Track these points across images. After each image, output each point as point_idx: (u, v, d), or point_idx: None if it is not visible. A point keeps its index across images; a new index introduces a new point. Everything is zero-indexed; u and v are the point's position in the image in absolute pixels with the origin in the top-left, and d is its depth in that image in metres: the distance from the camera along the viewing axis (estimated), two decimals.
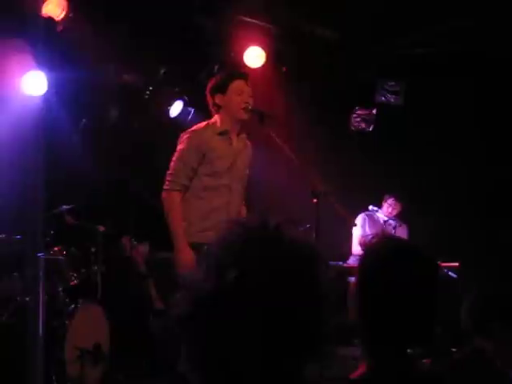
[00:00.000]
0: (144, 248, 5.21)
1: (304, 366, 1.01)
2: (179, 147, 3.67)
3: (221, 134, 3.67)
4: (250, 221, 1.01)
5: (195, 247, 3.46)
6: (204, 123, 3.77)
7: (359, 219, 6.35)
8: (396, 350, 1.41)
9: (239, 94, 3.62)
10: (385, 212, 6.38)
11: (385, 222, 6.32)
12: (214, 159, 3.61)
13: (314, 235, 3.33)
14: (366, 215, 6.42)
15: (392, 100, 6.38)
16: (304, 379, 1.02)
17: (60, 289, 4.39)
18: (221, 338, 0.95)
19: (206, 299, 0.95)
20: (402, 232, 6.22)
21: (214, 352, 0.95)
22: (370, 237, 1.56)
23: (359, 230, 6.23)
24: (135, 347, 4.65)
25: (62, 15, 4.67)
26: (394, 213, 6.33)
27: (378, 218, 6.41)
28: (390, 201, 6.38)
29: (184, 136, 3.69)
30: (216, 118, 3.73)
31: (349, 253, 6.38)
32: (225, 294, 0.94)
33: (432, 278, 1.44)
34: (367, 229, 6.28)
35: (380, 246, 1.48)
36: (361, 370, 1.43)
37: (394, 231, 6.04)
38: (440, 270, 1.47)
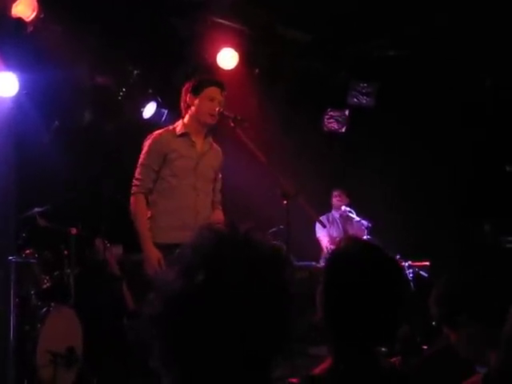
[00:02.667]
0: (117, 250, 5.20)
1: (272, 364, 1.04)
2: (142, 152, 3.77)
3: (181, 135, 3.75)
4: (221, 226, 1.05)
5: (163, 247, 3.51)
6: (164, 128, 3.86)
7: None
8: (359, 348, 1.45)
9: (210, 100, 3.68)
10: (334, 205, 6.55)
11: (351, 220, 6.43)
12: (175, 159, 3.68)
13: (285, 236, 3.36)
14: (325, 217, 6.55)
15: (364, 101, 6.46)
16: (271, 378, 1.05)
17: (32, 292, 4.35)
18: (190, 336, 0.98)
19: (175, 299, 0.99)
20: (360, 228, 6.32)
21: (183, 350, 0.99)
22: (337, 239, 1.61)
23: (322, 232, 6.36)
24: (109, 349, 4.63)
25: (33, 16, 4.62)
26: (342, 204, 6.47)
27: (334, 218, 6.59)
28: (337, 193, 6.54)
29: (145, 142, 3.79)
30: (178, 123, 3.81)
31: (320, 253, 6.47)
32: (194, 295, 0.98)
33: (395, 278, 1.48)
34: (329, 230, 6.41)
35: (346, 248, 1.52)
36: (323, 366, 1.47)
37: (365, 230, 6.13)
38: (403, 271, 1.51)
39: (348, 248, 1.52)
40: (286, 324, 1.04)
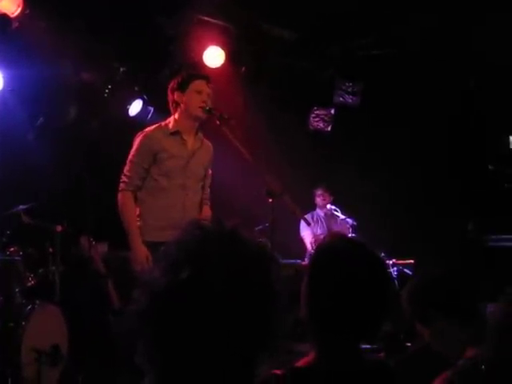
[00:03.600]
0: (102, 247, 5.18)
1: (256, 360, 1.05)
2: (132, 149, 3.74)
3: (172, 134, 3.72)
4: (207, 222, 1.06)
5: (151, 246, 3.51)
6: (156, 125, 3.83)
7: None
8: (342, 343, 1.47)
9: (198, 93, 3.67)
10: (318, 204, 6.59)
11: (335, 218, 6.48)
12: (165, 159, 3.66)
13: (270, 234, 3.38)
14: (309, 215, 6.58)
15: (350, 100, 6.50)
16: (256, 375, 1.06)
17: (16, 290, 4.32)
18: (174, 332, 0.99)
19: (160, 295, 1.00)
20: (345, 226, 6.35)
21: (167, 346, 1.00)
22: (321, 236, 1.63)
23: (307, 231, 6.38)
24: (94, 347, 4.62)
25: (18, 12, 4.60)
26: (326, 202, 6.51)
27: (318, 216, 6.63)
28: (320, 191, 6.58)
29: (136, 138, 3.75)
30: (170, 119, 3.79)
31: (305, 251, 6.50)
32: (179, 291, 0.99)
33: (379, 274, 1.50)
34: (313, 228, 6.45)
35: (329, 244, 1.54)
36: (306, 360, 1.49)
37: (350, 228, 6.18)
38: (387, 268, 1.54)
39: (332, 244, 1.54)
40: (271, 321, 1.05)
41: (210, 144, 3.89)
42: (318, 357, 1.48)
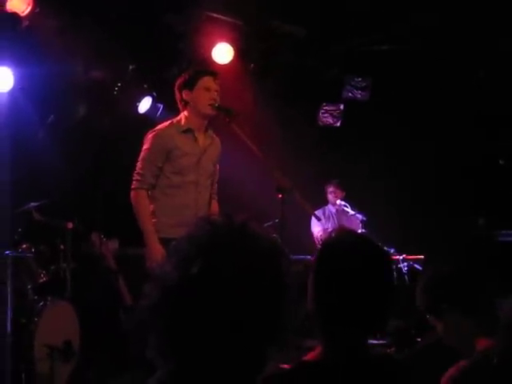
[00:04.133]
0: (113, 244, 5.21)
1: (266, 354, 1.06)
2: (144, 147, 3.74)
3: (185, 131, 3.72)
4: (217, 217, 1.07)
5: (165, 242, 3.51)
6: (168, 122, 3.82)
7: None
8: (348, 337, 1.48)
9: (207, 90, 3.66)
10: (330, 201, 6.55)
11: (346, 214, 6.46)
12: (178, 157, 3.66)
13: (280, 230, 3.39)
14: (320, 211, 6.57)
15: (359, 96, 6.48)
16: (265, 367, 1.07)
17: (29, 286, 4.37)
18: (186, 326, 1.00)
19: (172, 289, 1.01)
20: (355, 221, 6.34)
21: (179, 340, 1.01)
22: (329, 230, 1.63)
23: (317, 226, 6.37)
24: (106, 343, 4.66)
25: (28, 10, 4.62)
26: (338, 198, 6.48)
27: (330, 211, 6.60)
28: (332, 188, 6.55)
29: (148, 135, 3.75)
30: (181, 115, 3.78)
31: (315, 246, 6.49)
32: (190, 285, 1.00)
33: (385, 269, 1.51)
34: (324, 224, 6.43)
35: (336, 239, 1.55)
36: (313, 354, 1.50)
37: (360, 224, 6.16)
38: (393, 263, 1.54)
39: (338, 238, 1.55)
40: (281, 314, 1.05)
41: (218, 140, 3.90)
42: (325, 351, 1.48)
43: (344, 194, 6.56)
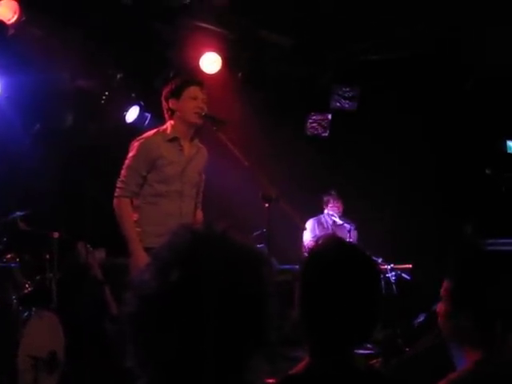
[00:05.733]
0: (100, 254, 5.17)
1: (248, 364, 1.04)
2: (129, 154, 3.73)
3: (170, 140, 3.71)
4: (198, 225, 1.06)
5: (149, 252, 3.47)
6: (154, 130, 3.81)
7: (309, 224, 6.49)
8: (334, 348, 1.46)
9: (193, 100, 3.67)
10: (328, 210, 6.52)
11: (335, 223, 6.45)
12: (163, 166, 3.65)
13: (267, 239, 3.38)
14: (315, 220, 6.55)
15: (347, 105, 6.51)
16: (247, 380, 1.05)
17: (13, 297, 4.31)
18: (165, 335, 0.98)
19: (151, 298, 0.99)
20: (353, 233, 6.34)
21: (158, 349, 0.99)
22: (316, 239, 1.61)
23: (309, 235, 6.35)
24: (91, 354, 4.60)
25: (14, 19, 4.60)
26: (337, 209, 6.46)
27: (326, 221, 6.56)
28: (330, 201, 6.51)
29: (134, 143, 3.73)
30: (167, 124, 3.78)
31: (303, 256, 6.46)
32: (169, 294, 0.98)
33: (370, 278, 1.49)
34: (317, 232, 6.41)
35: (322, 248, 1.54)
36: (300, 367, 1.48)
37: (347, 233, 6.16)
38: (379, 272, 1.53)
39: (325, 247, 1.53)
40: (263, 324, 1.04)
41: (205, 149, 3.89)
42: (311, 362, 1.47)
43: (342, 206, 6.50)
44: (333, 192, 6.53)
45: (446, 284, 1.80)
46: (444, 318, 1.79)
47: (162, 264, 1.01)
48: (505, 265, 1.81)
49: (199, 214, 3.84)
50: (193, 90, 3.69)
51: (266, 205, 3.32)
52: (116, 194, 3.68)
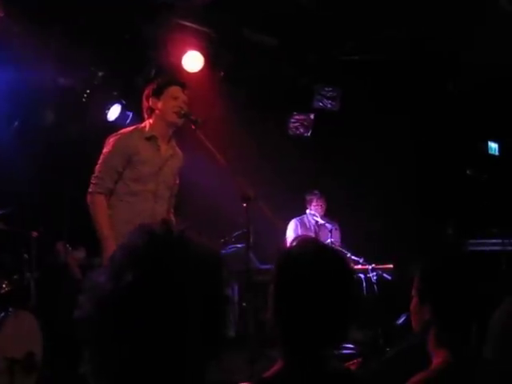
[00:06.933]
0: (79, 253, 5.12)
1: (205, 367, 1.01)
2: (105, 150, 3.66)
3: (148, 138, 3.67)
4: (155, 226, 1.03)
5: None
6: (132, 127, 3.77)
7: (291, 224, 6.48)
8: (307, 350, 1.45)
9: (174, 100, 3.63)
10: (311, 211, 6.51)
11: (317, 224, 6.45)
12: (138, 163, 3.60)
13: (246, 239, 3.36)
14: (298, 220, 6.54)
15: (329, 105, 6.51)
16: (205, 380, 1.03)
17: None
18: (119, 339, 0.95)
19: (105, 300, 0.96)
20: (335, 233, 6.34)
21: (112, 354, 0.95)
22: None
23: (291, 234, 6.34)
24: (70, 354, 4.55)
25: None
26: (321, 208, 6.45)
27: (309, 221, 6.56)
28: (313, 200, 6.51)
29: (110, 139, 3.68)
30: (146, 123, 3.74)
31: None
32: (123, 296, 0.95)
33: (344, 280, 1.48)
34: (299, 233, 6.40)
35: (295, 249, 1.52)
36: (275, 369, 1.47)
37: (329, 233, 6.16)
38: (353, 273, 1.52)
39: (298, 248, 1.52)
40: (220, 325, 1.01)
41: (181, 153, 3.85)
42: (285, 365, 1.45)
43: (326, 205, 6.49)
44: (316, 191, 6.52)
45: (415, 281, 1.82)
46: (412, 314, 1.82)
47: (116, 265, 0.98)
48: (473, 265, 1.82)
49: (171, 218, 3.78)
50: (174, 90, 3.66)
51: (244, 204, 3.30)
52: (90, 190, 3.61)
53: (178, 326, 0.95)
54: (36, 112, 5.54)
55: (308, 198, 6.57)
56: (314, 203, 6.50)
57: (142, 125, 3.75)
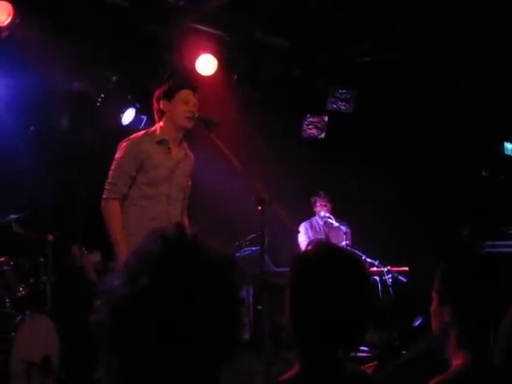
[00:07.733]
0: (95, 257, 5.14)
1: (219, 370, 1.01)
2: (117, 155, 3.68)
3: (159, 142, 3.68)
4: (168, 230, 1.02)
5: None
6: (143, 131, 3.79)
7: (302, 227, 6.48)
8: (324, 353, 1.44)
9: (185, 103, 3.64)
10: (318, 213, 6.50)
11: (327, 225, 6.43)
12: (151, 167, 3.61)
13: (261, 242, 3.35)
14: (307, 223, 6.53)
15: (343, 107, 6.49)
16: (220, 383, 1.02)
17: (6, 300, 4.28)
18: (135, 343, 0.95)
19: (120, 305, 0.96)
20: (349, 235, 6.31)
21: (127, 357, 0.95)
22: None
23: (304, 238, 6.33)
24: (86, 358, 4.57)
25: (8, 21, 4.58)
26: (326, 208, 6.44)
27: (317, 223, 6.55)
28: (319, 200, 6.50)
29: (122, 144, 3.70)
30: (156, 126, 3.76)
31: None
32: (137, 300, 0.95)
33: (360, 283, 1.47)
34: (311, 235, 6.39)
35: (312, 252, 1.52)
36: (292, 372, 1.46)
37: (344, 236, 6.14)
38: (369, 276, 1.50)
39: (313, 251, 1.52)
40: (234, 329, 1.01)
41: (192, 155, 3.86)
42: (301, 368, 1.44)
43: (331, 205, 6.52)
44: (320, 192, 6.52)
45: (435, 282, 1.81)
46: (432, 315, 1.80)
47: (131, 270, 0.98)
48: (492, 267, 1.80)
49: (185, 220, 3.79)
50: (185, 94, 3.67)
51: (259, 207, 3.29)
52: (104, 196, 3.63)
53: (192, 330, 0.95)
54: (51, 116, 5.58)
55: (312, 199, 6.58)
56: (318, 204, 6.52)
57: (153, 128, 3.76)
